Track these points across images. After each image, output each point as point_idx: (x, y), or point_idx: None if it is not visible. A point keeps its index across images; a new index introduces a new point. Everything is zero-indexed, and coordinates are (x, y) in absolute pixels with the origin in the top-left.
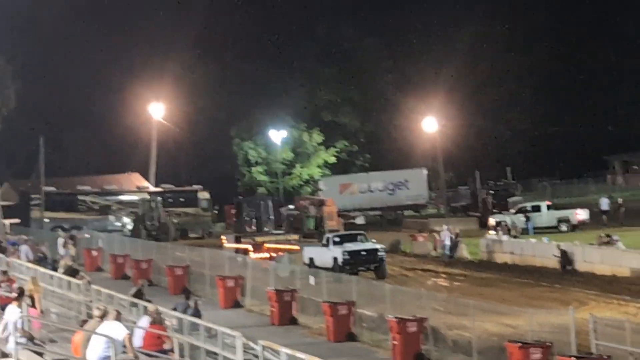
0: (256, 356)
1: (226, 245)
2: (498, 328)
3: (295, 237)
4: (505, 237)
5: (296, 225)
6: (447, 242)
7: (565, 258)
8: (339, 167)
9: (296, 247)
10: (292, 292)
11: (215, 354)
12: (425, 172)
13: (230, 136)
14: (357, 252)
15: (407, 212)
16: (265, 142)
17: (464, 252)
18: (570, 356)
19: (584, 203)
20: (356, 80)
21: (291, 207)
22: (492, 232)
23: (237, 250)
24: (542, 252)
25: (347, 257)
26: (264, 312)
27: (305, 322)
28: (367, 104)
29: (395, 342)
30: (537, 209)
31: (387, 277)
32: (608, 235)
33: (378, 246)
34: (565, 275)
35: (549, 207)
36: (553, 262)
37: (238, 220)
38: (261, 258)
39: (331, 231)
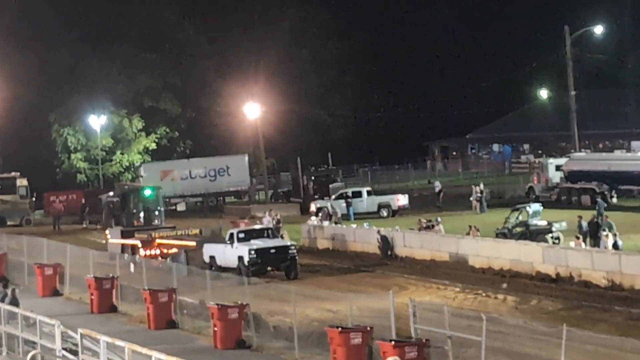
0: (75, 344)
1: (110, 241)
2: (319, 313)
3: (196, 231)
4: (326, 223)
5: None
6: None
7: (386, 243)
8: (160, 154)
9: (192, 244)
10: (112, 280)
11: (34, 342)
12: (246, 158)
13: (49, 122)
14: (266, 250)
15: (228, 199)
16: (85, 128)
17: (285, 238)
18: (390, 340)
19: (404, 189)
20: (177, 66)
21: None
22: (313, 218)
23: (124, 248)
24: (363, 238)
25: (254, 256)
26: (83, 300)
27: (125, 309)
28: (188, 89)
29: (216, 329)
30: (358, 194)
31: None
32: (429, 220)
33: (289, 243)
34: (386, 260)
35: (369, 193)
36: (374, 248)
37: (125, 213)
38: (151, 256)
39: None
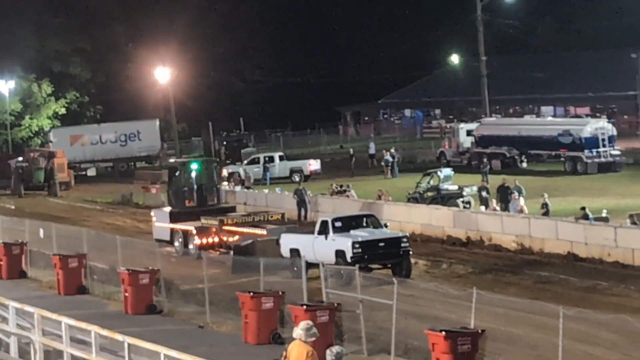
0: None
1: (156, 224)
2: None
3: (278, 216)
4: (238, 188)
5: (25, 178)
6: None
7: (302, 202)
8: (70, 119)
9: (262, 232)
10: (21, 245)
11: None
12: (157, 123)
13: None
14: (374, 243)
15: (139, 164)
16: None
17: None
18: (301, 304)
19: (316, 154)
20: (87, 31)
21: (20, 159)
22: (225, 183)
23: (174, 233)
24: (276, 203)
25: (358, 250)
26: None
27: (35, 275)
28: (98, 54)
29: (127, 294)
30: (270, 159)
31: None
32: (341, 186)
33: (400, 234)
34: (299, 223)
35: (281, 158)
36: (287, 212)
37: (172, 191)
38: (208, 244)
39: (62, 183)
